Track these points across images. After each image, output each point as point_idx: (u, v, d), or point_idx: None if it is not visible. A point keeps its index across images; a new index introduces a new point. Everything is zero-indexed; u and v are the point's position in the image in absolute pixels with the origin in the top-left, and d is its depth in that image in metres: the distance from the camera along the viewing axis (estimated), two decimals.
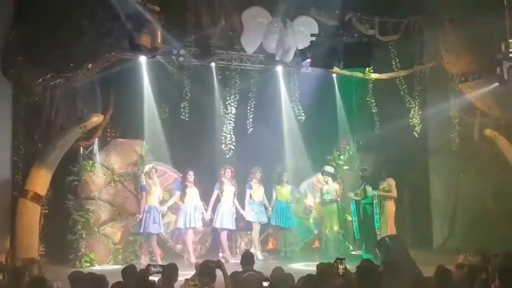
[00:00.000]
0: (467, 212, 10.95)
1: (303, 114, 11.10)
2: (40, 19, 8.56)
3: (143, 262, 9.23)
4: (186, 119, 10.19)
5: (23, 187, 8.68)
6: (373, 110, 11.09)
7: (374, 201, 10.17)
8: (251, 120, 10.82)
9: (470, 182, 10.81)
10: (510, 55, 8.74)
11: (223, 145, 10.39)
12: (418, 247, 9.76)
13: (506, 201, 10.14)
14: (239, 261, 7.40)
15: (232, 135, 10.35)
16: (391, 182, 10.16)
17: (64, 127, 9.16)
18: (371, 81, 10.94)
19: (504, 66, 8.74)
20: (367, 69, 10.54)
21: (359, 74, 10.90)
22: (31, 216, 8.66)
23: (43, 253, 8.79)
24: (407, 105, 10.72)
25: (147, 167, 9.89)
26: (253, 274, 5.36)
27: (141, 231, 9.59)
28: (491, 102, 9.90)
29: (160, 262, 9.06)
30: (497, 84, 9.19)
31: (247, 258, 5.81)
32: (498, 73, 8.89)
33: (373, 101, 11.02)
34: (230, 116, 10.47)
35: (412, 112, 10.69)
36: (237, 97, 10.65)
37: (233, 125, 10.54)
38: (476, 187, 10.70)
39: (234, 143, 10.33)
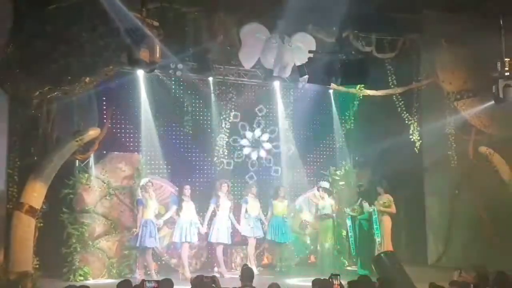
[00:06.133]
0: (462, 228, 10.94)
1: (295, 128, 11.30)
2: (38, 32, 8.39)
3: (137, 276, 9.18)
4: (190, 131, 10.37)
5: (18, 200, 8.54)
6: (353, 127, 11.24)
7: (373, 217, 10.19)
8: (248, 134, 10.98)
9: (465, 199, 10.83)
10: (506, 73, 8.78)
11: (215, 158, 10.47)
12: (413, 263, 9.76)
13: (500, 218, 10.15)
14: (234, 276, 7.39)
15: (225, 149, 10.43)
16: (390, 198, 10.24)
17: (60, 140, 9.06)
18: (368, 98, 11.00)
19: (499, 84, 8.79)
20: (359, 86, 10.56)
21: (356, 91, 10.94)
22: (26, 229, 8.50)
23: (37, 266, 8.63)
24: (406, 121, 10.72)
25: (143, 181, 9.85)
26: None
27: (137, 245, 9.52)
28: (486, 120, 9.95)
29: (154, 276, 9.02)
30: (492, 102, 9.22)
31: (247, 273, 5.78)
32: (493, 92, 8.94)
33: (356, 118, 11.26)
34: (226, 130, 10.52)
35: (412, 128, 10.72)
36: (235, 112, 10.76)
37: (228, 139, 10.60)
38: (471, 204, 10.71)
39: (226, 157, 10.43)
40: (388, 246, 9.97)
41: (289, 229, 10.65)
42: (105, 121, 9.89)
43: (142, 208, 9.62)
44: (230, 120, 10.57)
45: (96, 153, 9.78)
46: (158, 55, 8.25)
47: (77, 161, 9.61)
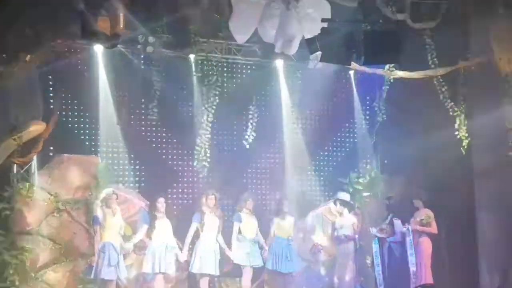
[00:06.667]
0: None
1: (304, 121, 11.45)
2: None
3: None
4: (165, 127, 10.71)
5: None
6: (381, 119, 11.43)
7: (407, 238, 10.28)
8: (241, 130, 11.07)
9: None
10: None
11: (196, 162, 10.56)
12: None
13: None
14: None
15: (207, 150, 10.53)
16: (430, 213, 10.30)
17: None
18: (400, 81, 11.04)
19: None
20: (388, 66, 10.72)
21: (384, 72, 10.98)
22: None
23: None
24: (450, 113, 10.84)
25: (105, 192, 9.82)
26: None
27: (92, 276, 9.48)
28: None
29: None
30: None
31: None
32: None
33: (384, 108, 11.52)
34: (209, 124, 10.61)
35: (458, 122, 10.84)
36: (223, 100, 10.80)
37: (215, 136, 10.77)
38: None
39: (211, 160, 10.57)
40: (427, 277, 10.13)
41: (296, 255, 10.65)
42: (52, 113, 9.84)
43: (99, 228, 9.59)
44: (216, 111, 10.60)
45: (40, 155, 9.77)
46: (121, 26, 8.60)
47: (15, 166, 9.59)
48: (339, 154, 12.25)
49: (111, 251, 9.47)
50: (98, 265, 9.41)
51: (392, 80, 11.17)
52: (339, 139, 12.27)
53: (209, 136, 10.54)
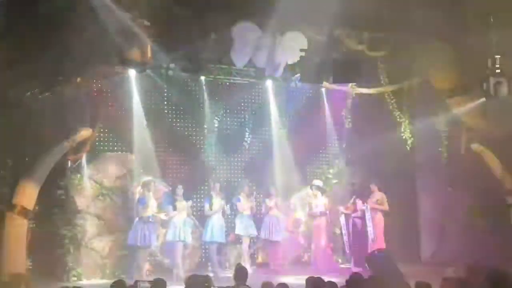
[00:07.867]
0: (455, 225, 11.02)
1: (288, 127, 11.47)
2: (28, 32, 8.25)
3: (132, 276, 8.95)
4: (182, 131, 10.78)
5: (10, 201, 8.51)
6: (347, 126, 11.31)
7: (366, 215, 10.32)
8: (241, 133, 11.22)
9: (457, 196, 10.90)
10: (497, 71, 8.81)
11: (208, 157, 10.74)
12: (406, 261, 9.66)
13: (492, 214, 10.23)
14: (228, 275, 7.38)
15: (214, 149, 10.74)
16: (383, 195, 10.39)
17: (51, 141, 9.02)
18: (361, 96, 11.07)
19: (490, 81, 8.81)
20: (351, 84, 10.64)
21: (348, 89, 10.97)
22: (18, 230, 8.48)
23: (30, 267, 8.72)
24: (398, 119, 10.72)
25: (145, 179, 9.83)
26: None
27: (139, 243, 9.38)
28: (478, 117, 9.94)
29: (148, 277, 8.91)
30: (483, 99, 9.23)
31: (241, 273, 5.83)
32: (484, 89, 8.95)
33: (349, 116, 11.27)
34: (219, 129, 10.74)
35: (403, 126, 10.72)
36: (227, 111, 11.00)
37: (221, 138, 10.84)
38: (464, 201, 10.79)
39: (217, 156, 10.79)
40: (381, 243, 10.15)
41: (282, 227, 10.73)
42: (97, 121, 9.80)
43: (143, 207, 9.54)
44: (222, 119, 10.77)
45: (88, 153, 9.79)
46: (149, 55, 8.52)
47: (69, 162, 9.61)
48: (315, 151, 12.21)
49: (153, 223, 9.57)
50: (144, 233, 9.41)
51: (354, 95, 11.11)
52: (315, 140, 12.09)
53: (215, 139, 10.67)
